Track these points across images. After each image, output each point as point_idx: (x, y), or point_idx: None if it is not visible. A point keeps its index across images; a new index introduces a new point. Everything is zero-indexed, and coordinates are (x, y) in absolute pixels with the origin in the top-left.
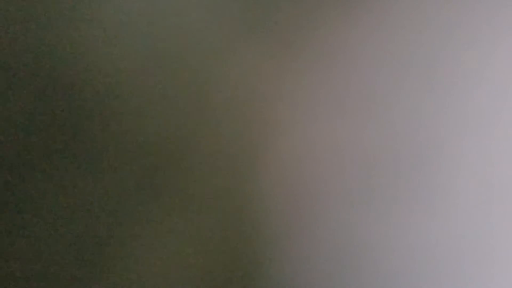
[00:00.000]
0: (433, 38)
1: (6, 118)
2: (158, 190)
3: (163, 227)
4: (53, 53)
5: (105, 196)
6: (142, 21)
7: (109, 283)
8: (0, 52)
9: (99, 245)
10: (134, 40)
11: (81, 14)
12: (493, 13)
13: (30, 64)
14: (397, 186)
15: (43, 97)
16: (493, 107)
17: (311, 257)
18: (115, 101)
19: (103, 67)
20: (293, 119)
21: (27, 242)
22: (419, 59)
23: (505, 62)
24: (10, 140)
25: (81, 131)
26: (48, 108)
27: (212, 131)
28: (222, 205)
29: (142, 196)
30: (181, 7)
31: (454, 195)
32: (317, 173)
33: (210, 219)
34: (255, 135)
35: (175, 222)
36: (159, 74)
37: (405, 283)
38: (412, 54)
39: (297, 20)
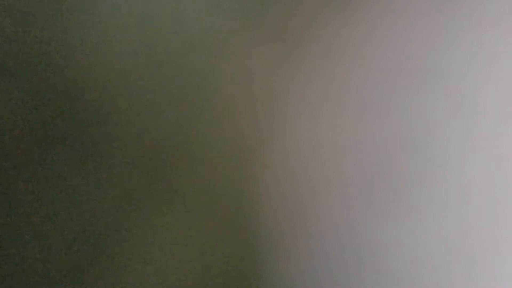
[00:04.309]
0: (435, 37)
1: (6, 118)
2: (158, 190)
3: (163, 227)
4: (53, 53)
5: (105, 196)
6: (142, 21)
7: (109, 283)
8: (0, 52)
9: (99, 245)
10: (134, 40)
11: (81, 14)
12: (493, 13)
13: (30, 64)
14: (399, 185)
15: (43, 97)
16: (496, 106)
17: (311, 257)
18: (115, 101)
19: (103, 67)
20: (294, 118)
21: (27, 242)
22: (421, 59)
23: (507, 61)
24: (10, 140)
25: (81, 132)
26: (49, 108)
27: (212, 131)
28: (222, 204)
29: (142, 196)
30: (181, 7)
31: (457, 195)
32: (317, 173)
33: (210, 218)
34: (255, 135)
35: (175, 222)
36: (159, 74)
37: (406, 283)
38: (414, 53)
39: (298, 20)
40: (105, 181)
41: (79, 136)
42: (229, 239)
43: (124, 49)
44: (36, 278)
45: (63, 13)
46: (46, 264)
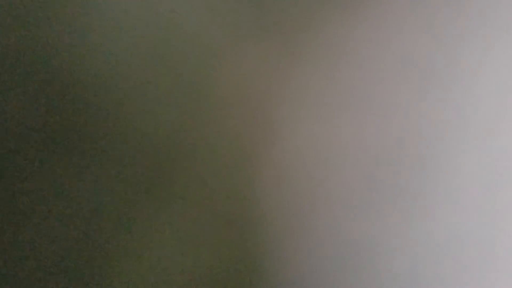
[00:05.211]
0: (434, 39)
1: (7, 118)
2: (158, 190)
3: (163, 226)
4: (54, 53)
5: (104, 196)
6: (142, 21)
7: (109, 282)
8: (1, 52)
9: (100, 246)
10: (134, 40)
11: (81, 14)
12: (492, 14)
13: (31, 64)
14: (397, 186)
15: (44, 98)
16: (493, 107)
17: (311, 257)
18: (115, 102)
19: (103, 68)
20: (293, 119)
21: (28, 242)
22: (420, 60)
23: (504, 62)
24: (11, 140)
25: (82, 132)
26: (49, 109)
27: (212, 130)
28: (222, 204)
29: (142, 196)
30: (181, 7)
31: (454, 195)
32: (317, 173)
33: (210, 218)
34: (255, 135)
35: (174, 222)
36: (159, 75)
37: (405, 283)
38: (413, 55)
39: (298, 20)
40: (104, 181)
41: (78, 136)
42: (229, 239)
43: (124, 49)
44: (36, 277)
45: (63, 14)
46: (46, 264)
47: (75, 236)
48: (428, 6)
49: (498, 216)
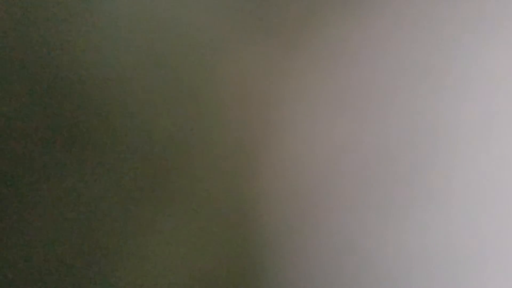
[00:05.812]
0: (432, 39)
1: (6, 118)
2: (159, 191)
3: (163, 227)
4: (54, 54)
5: (105, 197)
6: (142, 21)
7: (110, 283)
8: (1, 52)
9: (100, 246)
10: (134, 40)
11: (81, 14)
12: (490, 14)
13: (31, 64)
14: (397, 187)
15: (44, 98)
16: (491, 107)
17: (311, 258)
18: (116, 102)
19: (102, 68)
20: (293, 119)
21: (27, 242)
22: (419, 60)
23: (502, 62)
24: (11, 140)
25: (81, 133)
26: (49, 109)
27: (212, 131)
28: (223, 205)
29: (142, 197)
30: (181, 7)
31: (453, 197)
32: (317, 174)
33: (211, 219)
34: (255, 136)
35: (175, 222)
36: (159, 75)
37: (404, 283)
38: (412, 55)
39: (297, 20)
40: (105, 182)
41: (79, 137)
42: (229, 239)
43: (123, 50)
44: (36, 277)
45: (63, 14)
46: (46, 264)
47: (75, 236)
48: (426, 6)
49: (496, 218)
